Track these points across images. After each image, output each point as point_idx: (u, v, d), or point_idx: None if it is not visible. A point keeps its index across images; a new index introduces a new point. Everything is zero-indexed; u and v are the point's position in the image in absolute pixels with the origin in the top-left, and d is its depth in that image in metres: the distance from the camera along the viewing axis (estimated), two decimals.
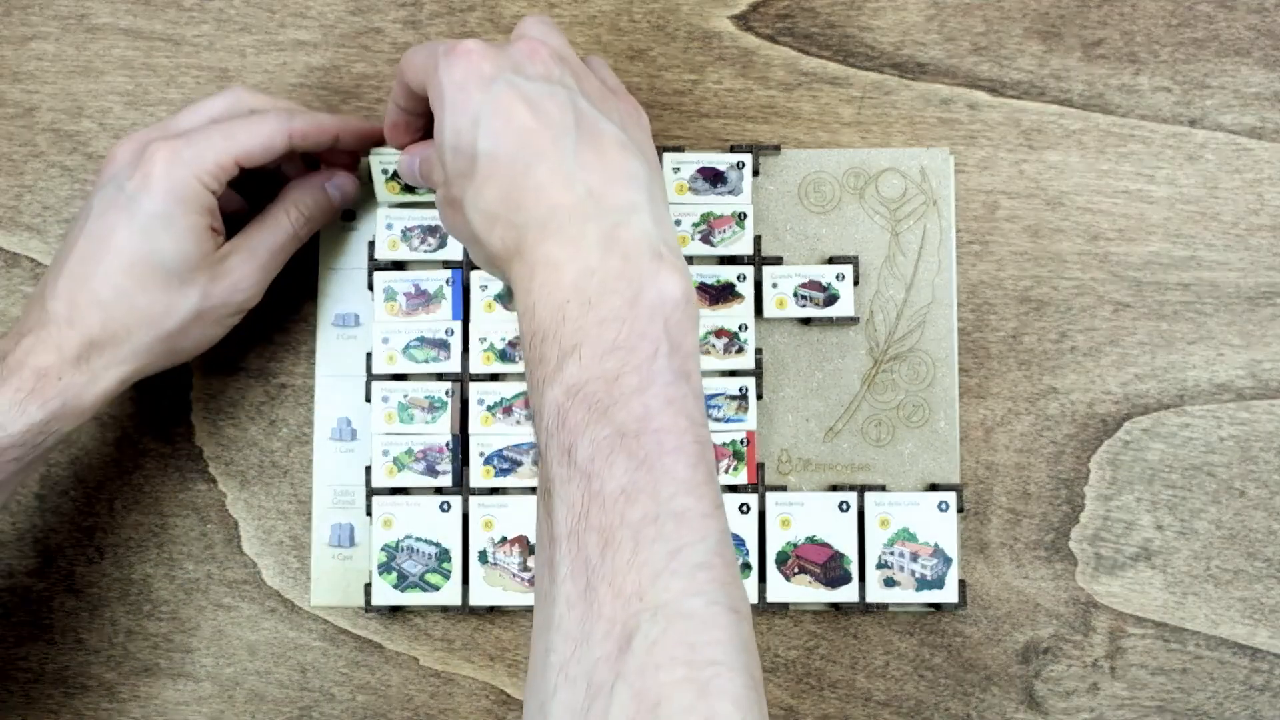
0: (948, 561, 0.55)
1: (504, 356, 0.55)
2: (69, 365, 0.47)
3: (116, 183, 0.48)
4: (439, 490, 0.55)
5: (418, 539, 0.55)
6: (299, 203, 0.53)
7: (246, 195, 0.54)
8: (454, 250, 0.56)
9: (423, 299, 0.55)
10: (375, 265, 0.56)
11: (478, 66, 0.43)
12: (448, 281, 0.55)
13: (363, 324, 0.57)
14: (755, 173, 0.57)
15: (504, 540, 0.55)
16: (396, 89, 0.49)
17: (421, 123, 0.51)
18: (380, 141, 0.54)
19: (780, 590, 0.55)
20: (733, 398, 0.55)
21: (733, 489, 0.55)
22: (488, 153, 0.43)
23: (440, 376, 0.56)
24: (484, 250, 0.45)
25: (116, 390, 0.49)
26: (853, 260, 0.56)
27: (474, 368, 0.55)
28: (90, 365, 0.48)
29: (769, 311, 0.56)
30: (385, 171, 0.56)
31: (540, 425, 0.40)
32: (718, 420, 0.55)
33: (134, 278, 0.48)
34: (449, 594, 0.54)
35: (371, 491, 0.55)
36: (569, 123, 0.42)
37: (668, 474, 0.38)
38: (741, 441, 0.55)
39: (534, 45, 0.44)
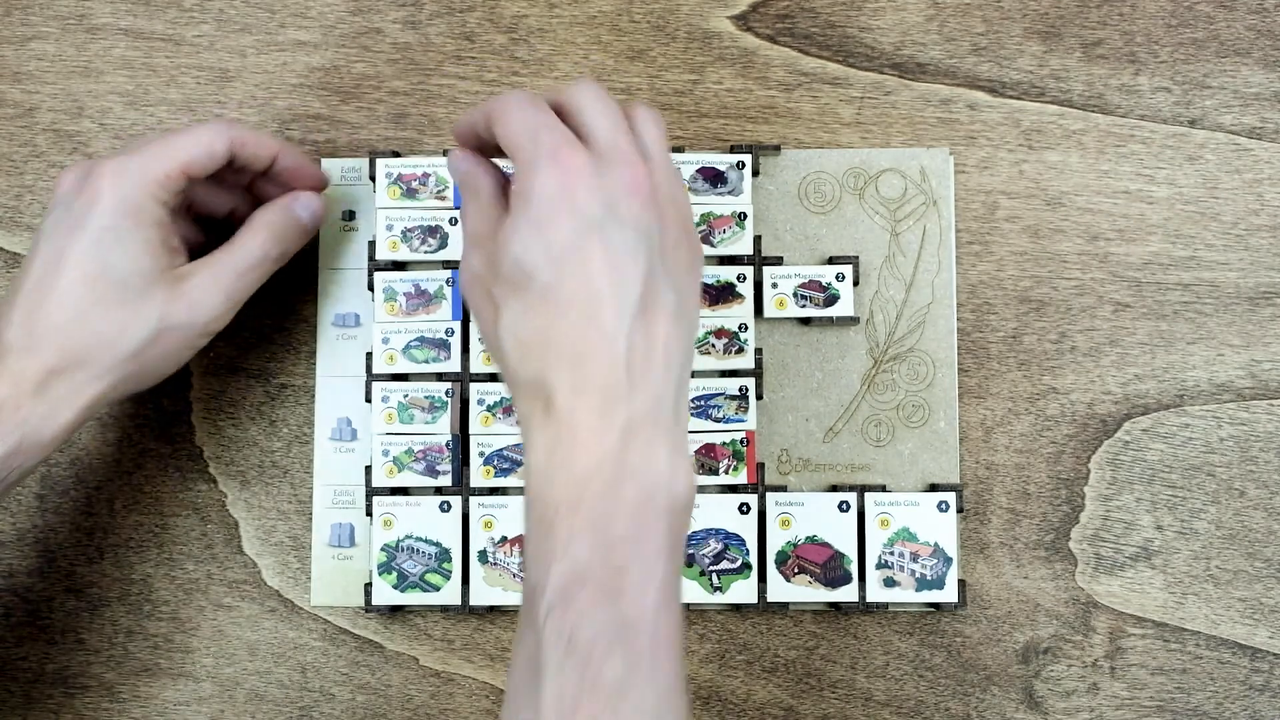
0: (948, 561, 0.55)
1: None
2: (27, 396, 0.46)
3: (65, 204, 0.48)
4: (439, 490, 0.55)
5: (418, 539, 0.55)
6: (267, 224, 0.51)
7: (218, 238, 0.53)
8: (454, 251, 0.56)
9: (423, 299, 0.55)
10: (375, 265, 0.56)
11: (575, 193, 0.42)
12: (448, 281, 0.55)
13: (363, 324, 0.57)
14: (755, 173, 0.57)
15: (504, 540, 0.55)
16: (483, 119, 0.45)
17: (492, 151, 0.48)
18: (318, 186, 0.54)
19: (780, 590, 0.55)
20: (733, 398, 0.55)
21: (733, 489, 0.55)
22: (549, 286, 0.41)
23: (440, 376, 0.56)
24: (503, 363, 0.43)
25: (79, 421, 0.47)
26: (853, 260, 0.56)
27: (474, 368, 0.56)
28: (50, 394, 0.46)
29: (769, 311, 0.56)
30: (389, 175, 0.56)
31: (539, 597, 0.39)
32: (717, 420, 0.55)
33: (89, 297, 0.47)
34: (449, 594, 0.54)
35: (371, 491, 0.55)
36: (637, 289, 0.41)
37: (660, 672, 0.39)
38: (741, 441, 0.55)
39: (638, 179, 0.42)
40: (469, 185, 0.47)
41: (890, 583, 0.55)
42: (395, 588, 0.54)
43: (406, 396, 0.55)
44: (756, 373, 0.56)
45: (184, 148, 0.49)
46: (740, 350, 0.56)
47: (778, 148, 0.57)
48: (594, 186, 0.42)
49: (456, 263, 0.56)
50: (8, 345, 0.46)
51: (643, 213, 0.42)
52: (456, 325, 0.56)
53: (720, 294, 0.56)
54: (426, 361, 0.56)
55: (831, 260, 0.57)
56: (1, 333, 0.47)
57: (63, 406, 0.47)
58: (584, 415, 0.40)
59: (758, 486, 0.55)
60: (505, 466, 0.55)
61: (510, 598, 0.54)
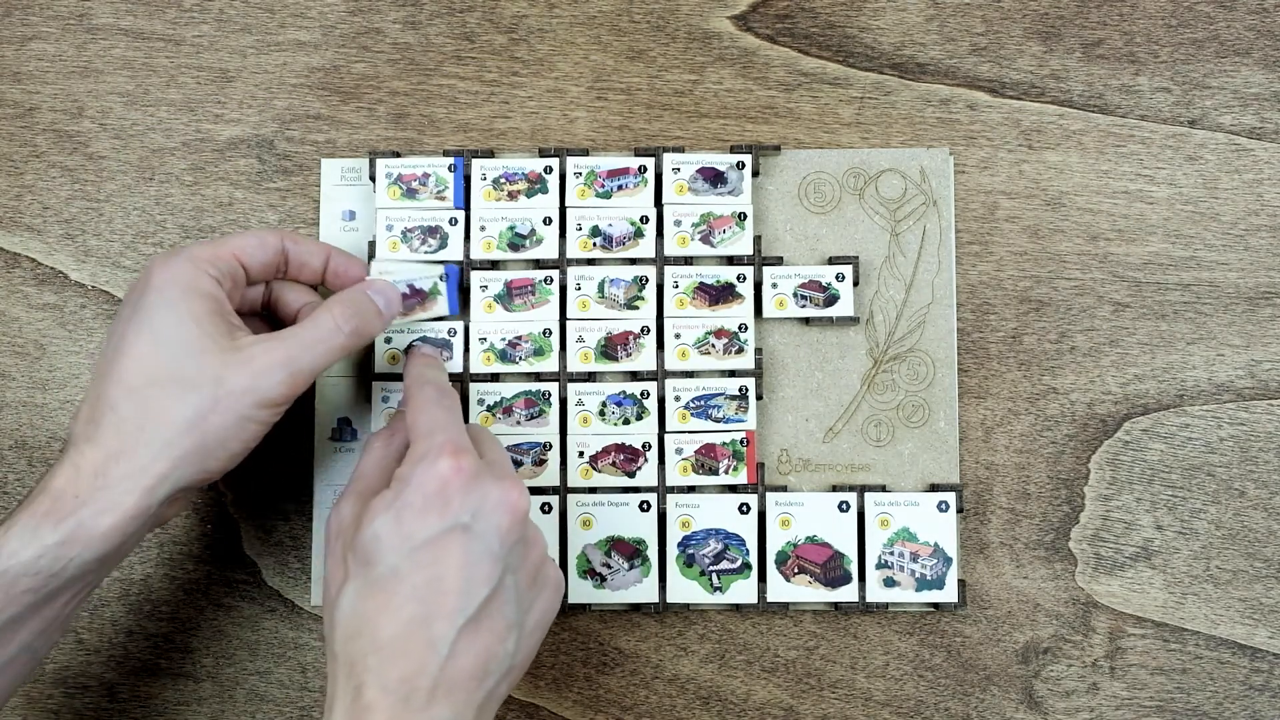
0: (947, 561, 0.55)
1: (504, 357, 0.55)
2: (86, 482, 0.44)
3: (126, 300, 0.48)
4: None
5: None
6: (340, 300, 0.50)
7: None
8: (454, 251, 0.56)
9: (418, 297, 0.55)
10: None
11: (451, 495, 0.43)
12: (441, 277, 0.55)
13: None
14: (755, 173, 0.57)
15: None
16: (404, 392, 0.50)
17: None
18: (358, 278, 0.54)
19: (780, 590, 0.55)
20: (733, 398, 0.55)
21: (733, 489, 0.55)
22: (397, 574, 0.43)
23: None
24: (331, 632, 0.44)
25: (142, 511, 0.44)
26: (853, 260, 0.56)
27: (474, 368, 0.56)
28: (108, 479, 0.44)
29: (769, 311, 0.56)
30: (389, 175, 0.56)
31: None
32: (717, 420, 0.55)
33: (143, 375, 0.45)
34: None
35: None
36: (480, 597, 0.43)
37: None
38: (741, 441, 0.55)
39: (513, 507, 0.44)
40: (389, 424, 0.51)
41: (890, 583, 0.55)
42: None
43: None
44: (756, 373, 0.56)
45: (236, 239, 0.50)
46: (740, 350, 0.56)
47: (778, 148, 0.57)
48: (471, 493, 0.44)
49: (452, 262, 0.56)
50: (73, 438, 0.45)
51: (510, 530, 0.44)
52: (459, 326, 0.56)
53: (720, 294, 0.56)
54: None
55: (831, 260, 0.57)
56: (71, 428, 0.46)
57: (121, 493, 0.44)
58: (381, 716, 0.41)
59: (758, 486, 0.55)
60: None
61: None
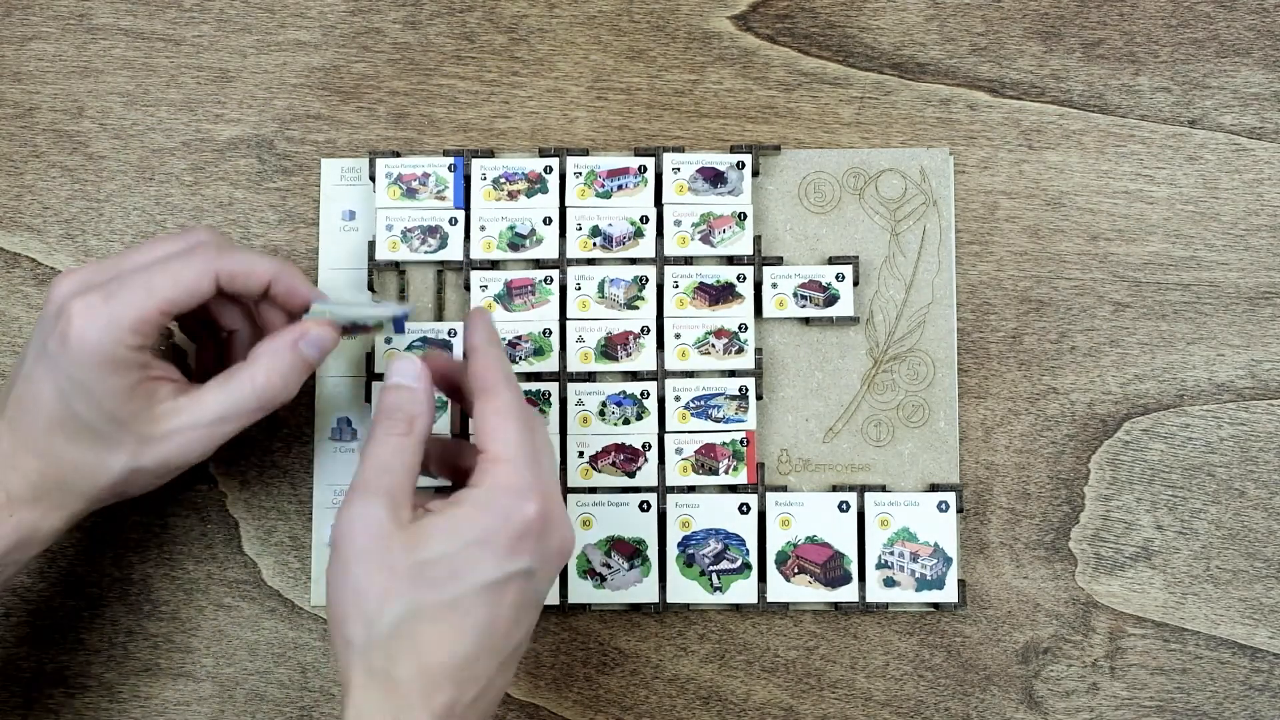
0: (947, 561, 0.55)
1: None
2: (20, 504, 0.46)
3: (43, 333, 0.45)
4: (439, 490, 0.55)
5: None
6: (268, 367, 0.47)
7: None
8: (454, 251, 0.56)
9: (361, 331, 0.53)
10: (375, 265, 0.56)
11: (527, 545, 0.43)
12: (389, 320, 0.52)
13: None
14: (755, 173, 0.57)
15: None
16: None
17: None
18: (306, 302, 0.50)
19: (780, 590, 0.55)
20: (733, 398, 0.55)
21: (733, 489, 0.55)
22: (457, 605, 0.42)
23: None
24: (357, 619, 0.43)
25: (72, 523, 0.47)
26: (853, 260, 0.56)
27: None
28: (39, 506, 0.46)
29: (769, 311, 0.56)
30: (389, 175, 0.56)
31: None
32: (717, 420, 0.55)
33: (61, 435, 0.45)
34: None
35: None
36: (516, 640, 0.44)
37: None
38: (741, 441, 0.55)
39: (569, 552, 0.45)
40: (408, 411, 0.46)
41: (890, 583, 0.55)
42: None
43: None
44: (756, 373, 0.56)
45: (162, 290, 0.45)
46: (740, 350, 0.56)
47: (778, 148, 0.57)
48: (544, 540, 0.44)
49: (456, 263, 0.56)
50: (0, 450, 0.46)
51: (558, 569, 0.46)
52: (458, 326, 0.56)
53: (720, 294, 0.56)
54: None
55: (831, 260, 0.57)
56: None
57: (52, 515, 0.46)
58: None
59: (758, 486, 0.55)
60: None
61: None
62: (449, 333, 0.56)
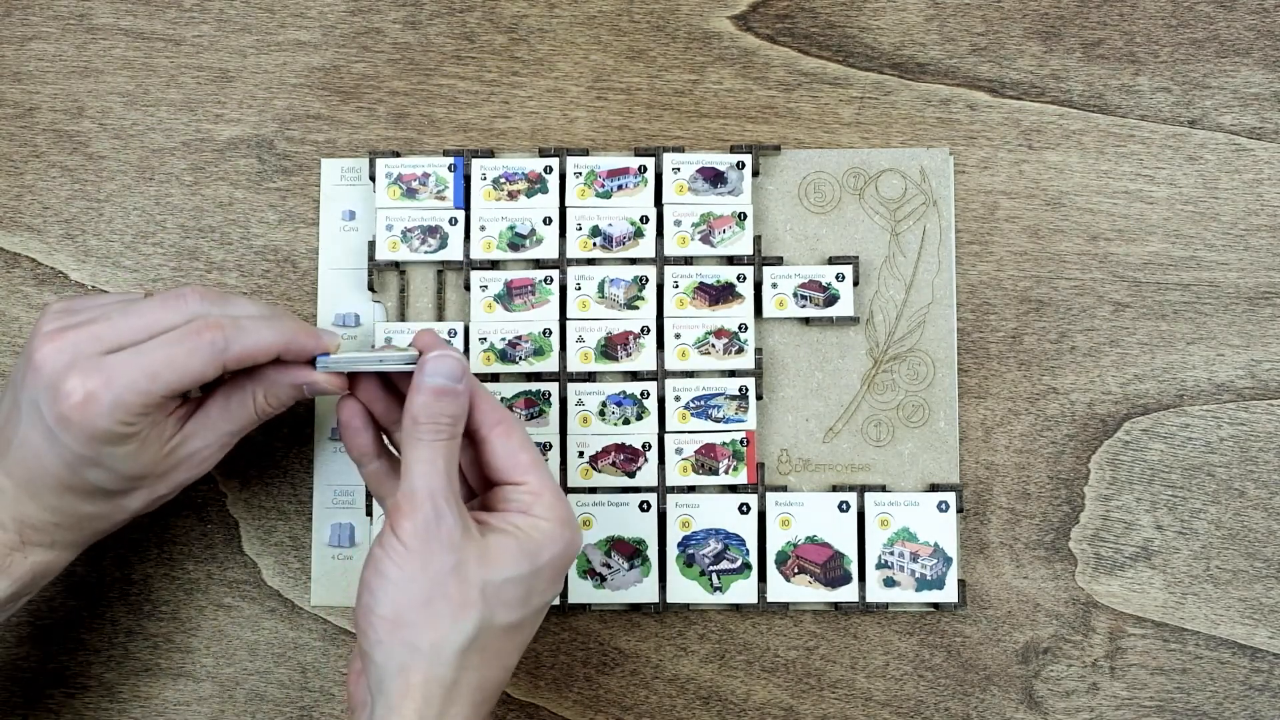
0: (947, 561, 0.55)
1: (504, 356, 0.55)
2: (34, 548, 0.46)
3: (38, 403, 0.44)
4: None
5: None
6: (268, 394, 0.48)
7: None
8: (454, 251, 0.56)
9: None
10: (375, 265, 0.56)
11: (566, 572, 0.47)
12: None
13: (363, 324, 0.57)
14: (755, 173, 0.57)
15: None
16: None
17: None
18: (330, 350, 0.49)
19: (780, 590, 0.55)
20: (733, 398, 0.55)
21: (733, 489, 0.55)
22: (518, 628, 0.45)
23: None
24: (426, 631, 0.43)
25: (72, 558, 0.49)
26: (853, 260, 0.56)
27: (474, 368, 0.56)
28: (55, 549, 0.47)
29: (769, 311, 0.56)
30: (389, 175, 0.56)
31: None
32: (717, 420, 0.55)
33: (72, 496, 0.46)
34: None
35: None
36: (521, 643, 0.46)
37: None
38: (741, 441, 0.55)
39: (576, 557, 0.49)
40: (453, 413, 0.46)
41: (890, 583, 0.55)
42: None
43: None
44: (756, 373, 0.56)
45: (166, 377, 0.44)
46: (740, 350, 0.56)
47: (778, 148, 0.57)
48: (571, 563, 0.47)
49: (457, 263, 0.56)
50: (3, 490, 0.46)
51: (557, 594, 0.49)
52: (459, 326, 0.56)
53: (720, 294, 0.56)
54: None
55: (831, 260, 0.57)
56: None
57: (67, 554, 0.48)
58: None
59: (758, 486, 0.55)
60: None
61: None
62: (449, 333, 0.56)
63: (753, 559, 0.55)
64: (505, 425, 0.47)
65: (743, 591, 0.55)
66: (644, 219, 0.56)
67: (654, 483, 0.55)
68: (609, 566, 0.55)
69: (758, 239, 0.57)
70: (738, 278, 0.56)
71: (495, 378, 0.56)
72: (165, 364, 0.44)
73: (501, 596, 0.43)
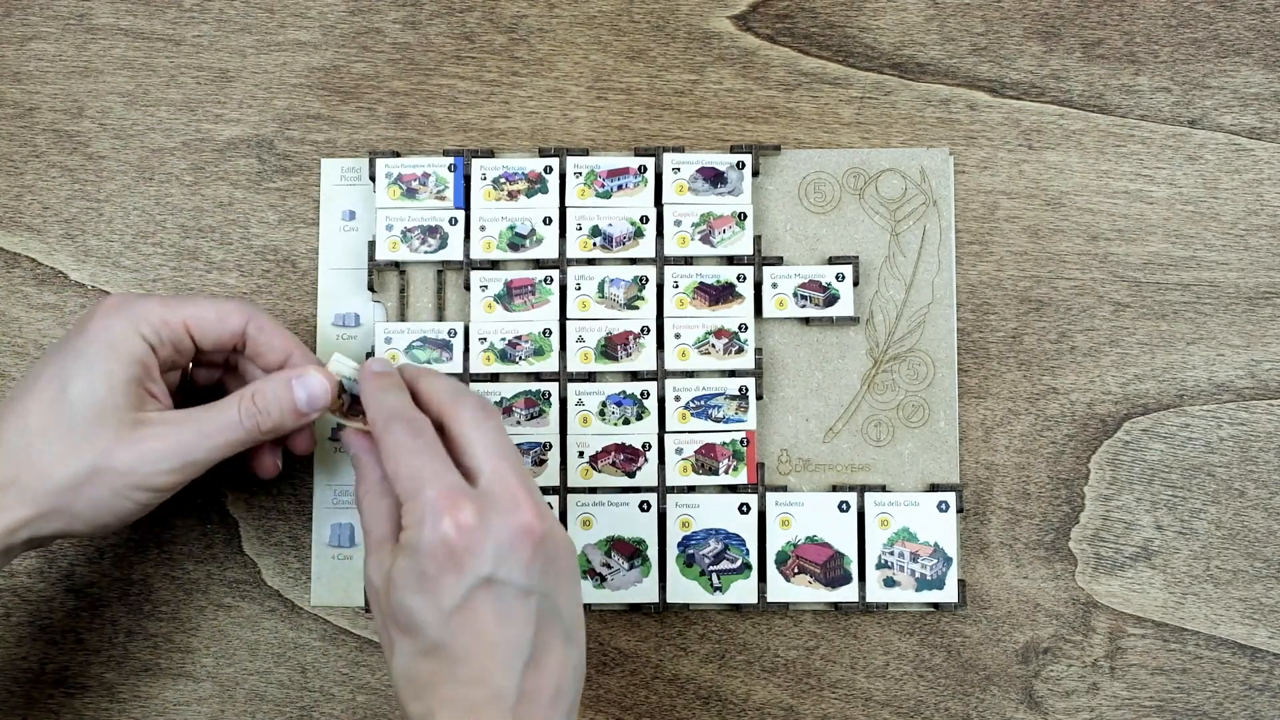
0: (947, 561, 0.55)
1: (504, 357, 0.55)
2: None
3: (68, 333, 0.46)
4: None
5: None
6: (256, 394, 0.47)
7: None
8: (454, 251, 0.56)
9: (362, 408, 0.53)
10: (375, 265, 0.56)
11: (463, 552, 0.42)
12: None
13: (363, 324, 0.57)
14: (755, 173, 0.57)
15: None
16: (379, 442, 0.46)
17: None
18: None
19: (780, 590, 0.55)
20: (733, 398, 0.55)
21: (733, 489, 0.55)
22: (438, 643, 0.42)
23: None
24: (397, 693, 0.44)
25: (29, 532, 0.45)
26: (853, 260, 0.56)
27: (474, 368, 0.56)
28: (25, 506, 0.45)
29: (769, 311, 0.56)
30: (389, 175, 0.56)
31: None
32: (717, 420, 0.55)
33: (38, 422, 0.45)
34: None
35: None
36: (528, 642, 0.43)
37: None
38: (741, 441, 0.55)
39: (528, 524, 0.43)
40: (359, 469, 0.47)
41: (890, 583, 0.55)
42: None
43: None
44: (756, 373, 0.56)
45: (196, 306, 0.47)
46: (740, 350, 0.56)
47: (778, 148, 0.57)
48: (483, 541, 0.42)
49: (452, 263, 0.56)
50: None
51: (532, 559, 0.43)
52: (459, 326, 0.56)
53: (720, 294, 0.56)
54: (429, 362, 0.56)
55: (831, 260, 0.57)
56: None
57: (5, 515, 0.45)
58: None
59: (758, 486, 0.55)
60: None
61: None
62: (449, 333, 0.56)
63: (753, 559, 0.55)
64: (460, 406, 0.46)
65: (743, 591, 0.55)
66: (644, 219, 0.56)
67: (654, 483, 0.55)
68: (609, 566, 0.55)
69: (758, 239, 0.57)
70: (738, 278, 0.56)
71: (495, 378, 0.56)
72: (203, 298, 0.48)
73: (398, 622, 0.43)
